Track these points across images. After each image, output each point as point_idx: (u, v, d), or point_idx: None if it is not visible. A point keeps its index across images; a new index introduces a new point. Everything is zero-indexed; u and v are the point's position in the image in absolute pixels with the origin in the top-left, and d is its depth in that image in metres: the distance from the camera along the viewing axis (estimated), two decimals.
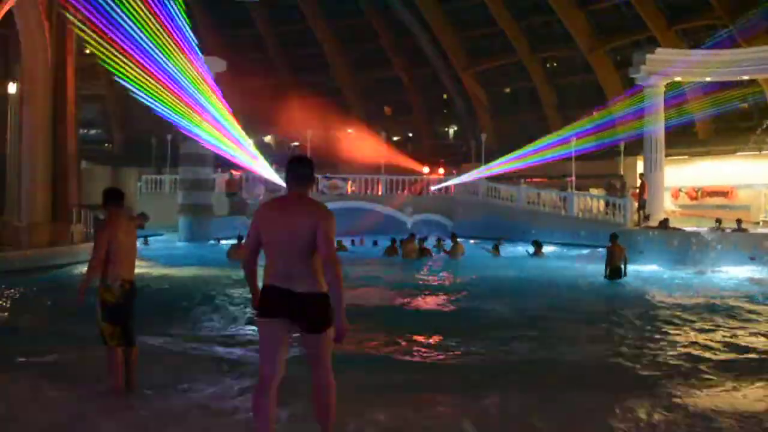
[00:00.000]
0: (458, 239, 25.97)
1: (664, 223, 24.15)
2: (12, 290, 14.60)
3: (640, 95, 27.65)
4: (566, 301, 15.03)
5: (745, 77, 29.97)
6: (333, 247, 4.87)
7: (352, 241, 29.76)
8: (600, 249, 20.91)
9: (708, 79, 28.47)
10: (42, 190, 20.82)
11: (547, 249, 26.15)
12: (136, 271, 7.29)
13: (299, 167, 5.06)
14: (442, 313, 14.15)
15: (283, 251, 4.88)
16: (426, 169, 41.56)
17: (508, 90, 47.93)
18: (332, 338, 4.92)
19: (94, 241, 7.05)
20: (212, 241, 29.32)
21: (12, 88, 20.67)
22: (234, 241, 24.72)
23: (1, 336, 10.34)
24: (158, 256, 23.22)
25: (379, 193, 37.81)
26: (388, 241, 26.72)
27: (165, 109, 22.38)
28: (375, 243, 29.04)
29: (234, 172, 35.62)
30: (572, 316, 12.86)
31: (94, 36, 17.72)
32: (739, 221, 23.03)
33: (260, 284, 5.05)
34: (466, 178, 36.75)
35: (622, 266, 18.37)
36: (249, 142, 31.50)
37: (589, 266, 21.02)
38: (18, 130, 20.96)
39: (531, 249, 25.65)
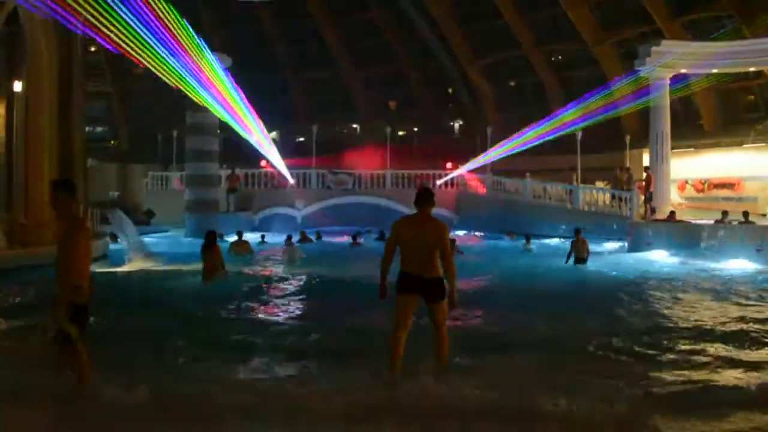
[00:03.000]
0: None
1: (671, 216, 24.16)
2: (21, 288, 14.65)
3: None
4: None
5: (752, 68, 29.86)
6: (449, 249, 7.50)
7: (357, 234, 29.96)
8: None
9: (714, 70, 28.37)
10: (49, 187, 20.87)
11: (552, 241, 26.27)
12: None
13: (426, 196, 7.56)
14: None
15: (418, 250, 7.31)
16: (449, 165, 41.33)
17: (513, 83, 47.82)
18: (446, 307, 7.48)
19: (79, 243, 6.64)
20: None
21: (17, 86, 20.71)
22: (235, 237, 24.71)
23: (14, 333, 10.43)
24: (165, 252, 23.29)
25: (386, 187, 37.84)
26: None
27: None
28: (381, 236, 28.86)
29: (237, 170, 35.75)
30: None
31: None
32: (746, 213, 22.96)
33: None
34: (471, 166, 36.84)
35: (586, 257, 20.43)
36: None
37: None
38: (24, 128, 21.02)
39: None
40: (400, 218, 7.83)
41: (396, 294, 7.45)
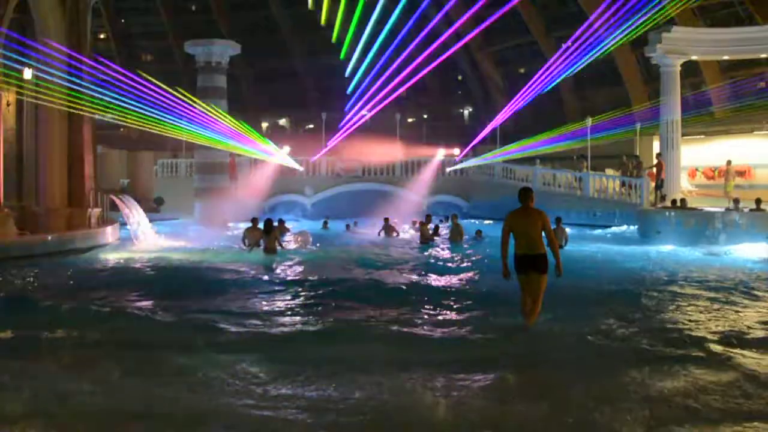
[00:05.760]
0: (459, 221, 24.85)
1: (676, 203, 24.00)
2: (32, 275, 14.74)
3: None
4: None
5: (763, 55, 29.61)
6: (552, 231, 9.53)
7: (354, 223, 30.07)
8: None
9: (725, 57, 28.19)
10: (59, 175, 20.98)
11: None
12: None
13: (528, 192, 9.61)
14: None
15: (528, 235, 9.29)
16: (456, 151, 41.22)
17: (522, 70, 47.56)
18: (546, 281, 9.38)
19: None
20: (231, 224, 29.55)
21: (28, 73, 20.75)
22: (249, 224, 24.59)
23: (25, 318, 10.50)
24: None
25: (395, 174, 37.81)
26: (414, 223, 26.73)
27: None
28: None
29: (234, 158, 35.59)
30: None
31: None
32: (758, 201, 22.80)
33: None
34: (480, 160, 36.75)
35: (563, 243, 20.91)
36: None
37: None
38: (34, 116, 21.08)
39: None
40: (511, 211, 9.61)
41: (517, 275, 9.42)
